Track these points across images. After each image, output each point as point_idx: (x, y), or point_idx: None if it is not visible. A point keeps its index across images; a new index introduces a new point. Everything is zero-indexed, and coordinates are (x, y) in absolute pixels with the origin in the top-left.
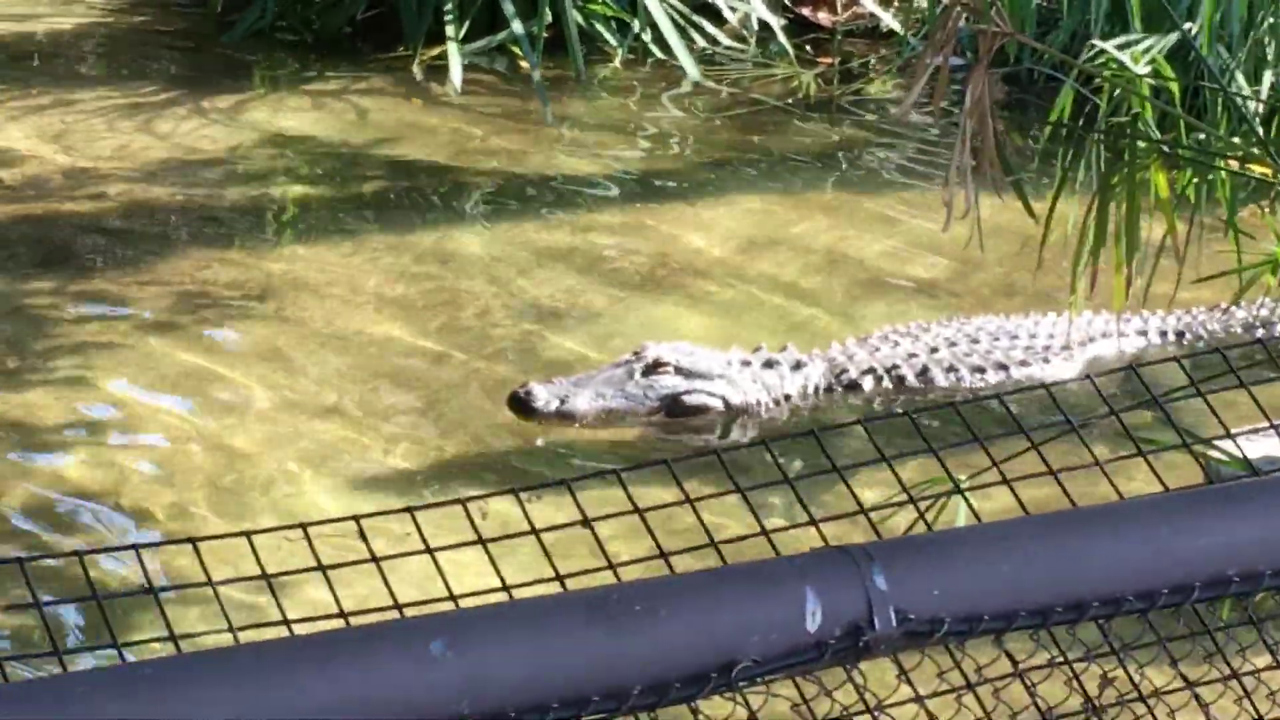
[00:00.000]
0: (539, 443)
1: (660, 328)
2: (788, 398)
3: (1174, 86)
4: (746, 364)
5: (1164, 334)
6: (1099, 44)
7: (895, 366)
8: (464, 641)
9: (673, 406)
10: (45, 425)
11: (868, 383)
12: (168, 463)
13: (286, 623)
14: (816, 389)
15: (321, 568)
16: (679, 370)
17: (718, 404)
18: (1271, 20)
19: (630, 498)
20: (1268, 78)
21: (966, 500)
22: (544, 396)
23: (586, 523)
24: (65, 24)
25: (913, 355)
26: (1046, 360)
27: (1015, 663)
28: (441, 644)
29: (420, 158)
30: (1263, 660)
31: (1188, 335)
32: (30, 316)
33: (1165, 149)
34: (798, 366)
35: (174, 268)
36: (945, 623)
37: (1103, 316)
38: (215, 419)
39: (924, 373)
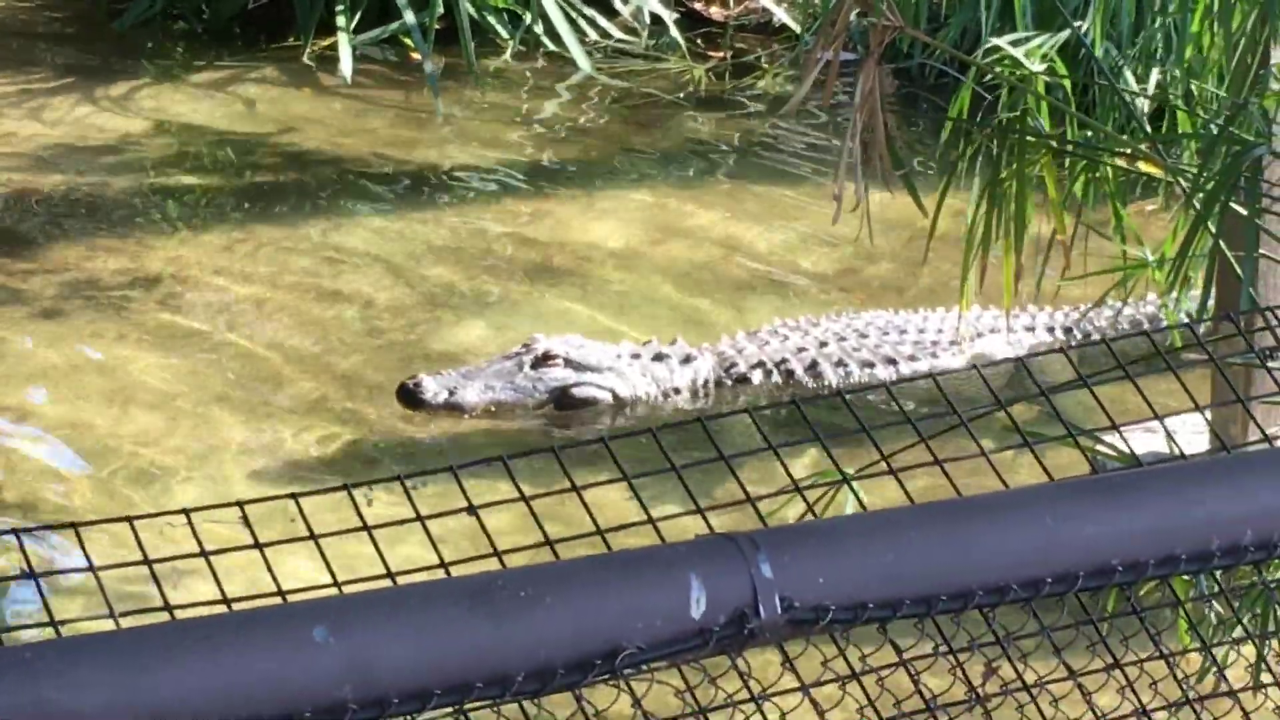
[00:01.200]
0: (428, 434)
1: (551, 320)
2: (677, 391)
3: (1067, 83)
4: (636, 357)
5: (1052, 330)
6: (995, 40)
7: (784, 361)
8: (347, 627)
9: (562, 399)
10: None
11: (757, 377)
12: (52, 454)
13: (169, 608)
14: (706, 383)
15: (204, 554)
16: (569, 363)
17: (606, 397)
18: (1159, 19)
19: (517, 486)
20: (1154, 76)
21: (854, 491)
22: (433, 388)
23: (472, 510)
24: None
25: (802, 350)
26: (935, 355)
27: (899, 651)
28: (324, 629)
29: (310, 148)
30: (1145, 650)
31: (1075, 332)
32: None
33: (1054, 144)
34: (687, 360)
35: (61, 256)
36: (830, 610)
37: (991, 312)
38: (100, 410)
39: (813, 367)
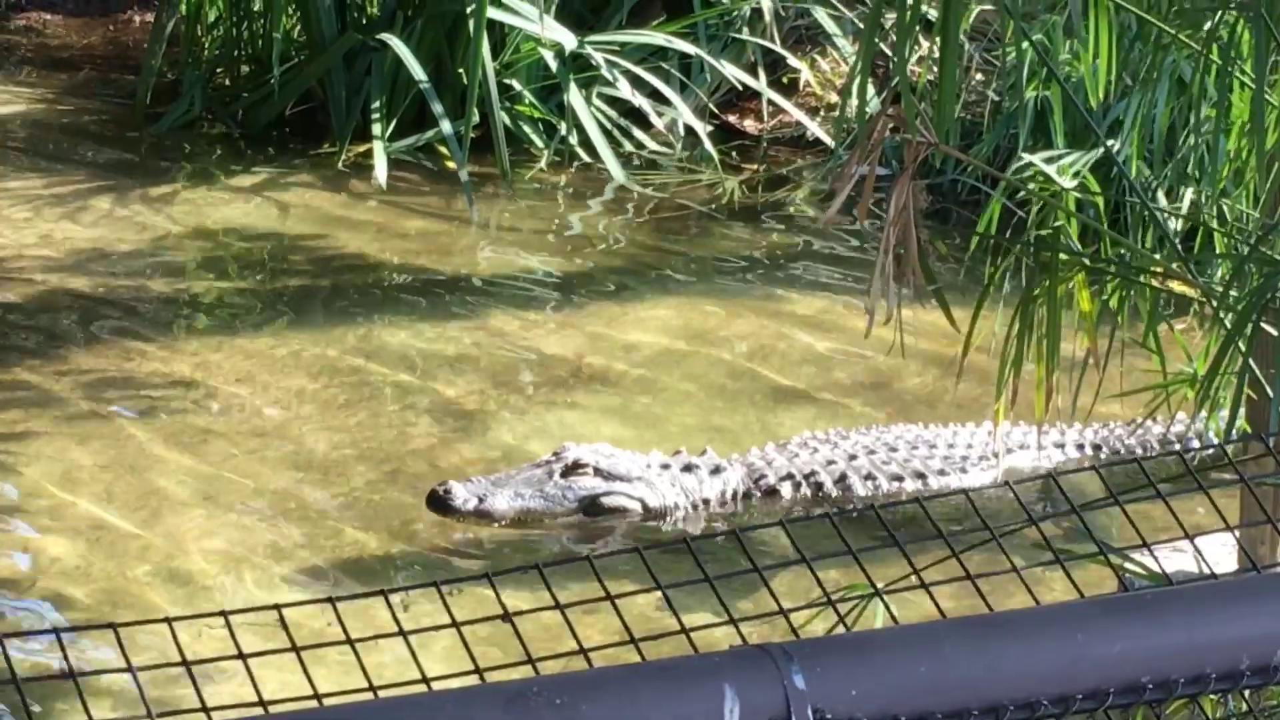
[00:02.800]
0: (458, 541)
1: (581, 429)
2: (706, 502)
3: (1099, 200)
4: (666, 467)
5: (1081, 447)
6: (1027, 157)
7: (814, 473)
8: None
9: (591, 508)
10: None
11: (786, 489)
12: (85, 555)
13: (205, 710)
14: (735, 494)
15: (241, 655)
16: (598, 472)
17: (636, 506)
18: (1192, 139)
19: (552, 593)
20: (1188, 195)
21: (885, 604)
22: (463, 495)
23: (507, 616)
24: None
25: (831, 462)
26: (965, 470)
27: None
28: None
29: (344, 253)
30: None
31: (1105, 449)
32: None
33: (1087, 262)
34: (716, 471)
35: (95, 358)
36: None
37: (1020, 428)
38: (133, 511)
39: (842, 480)
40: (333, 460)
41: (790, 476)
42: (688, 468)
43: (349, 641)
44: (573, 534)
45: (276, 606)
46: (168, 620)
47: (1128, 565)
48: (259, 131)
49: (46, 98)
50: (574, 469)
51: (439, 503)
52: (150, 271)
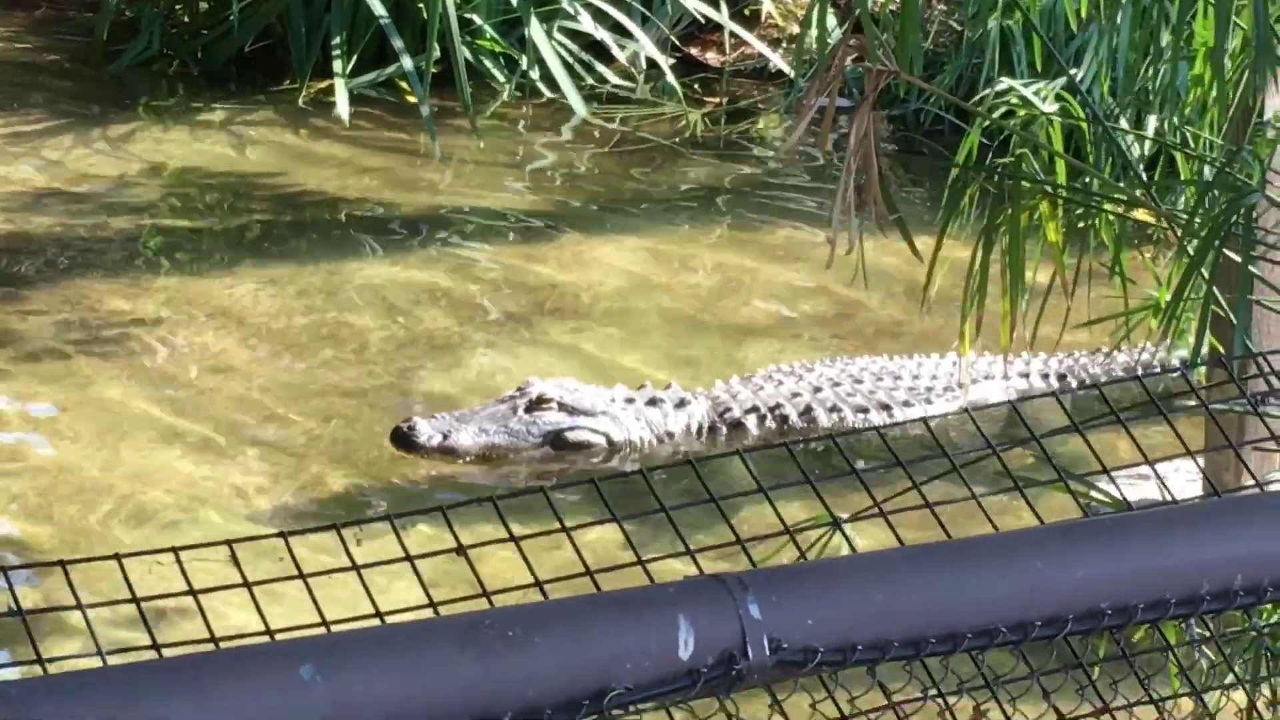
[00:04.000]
0: (422, 477)
1: (546, 364)
2: (671, 435)
3: (1082, 123)
4: (630, 401)
5: (1046, 376)
6: (1006, 81)
7: (778, 405)
8: (333, 666)
9: (556, 443)
10: None
11: (751, 421)
12: (45, 494)
13: (156, 648)
14: (700, 427)
15: (193, 592)
16: (563, 407)
17: (600, 441)
18: (1157, 66)
19: (507, 527)
20: (1152, 122)
21: (845, 535)
22: (427, 432)
23: (461, 550)
24: None
25: (796, 394)
26: (930, 401)
27: (888, 694)
28: (311, 668)
29: (306, 190)
30: (1135, 694)
31: (1070, 378)
32: None
33: (1049, 190)
34: (681, 404)
35: (56, 298)
36: (819, 652)
37: (985, 358)
38: (95, 450)
39: (807, 412)
40: (297, 398)
41: (755, 409)
42: (652, 401)
43: (301, 576)
44: (538, 469)
45: (229, 542)
46: (117, 557)
47: (1092, 494)
48: (218, 68)
49: (4, 36)
50: (538, 404)
51: (403, 440)
52: (111, 210)
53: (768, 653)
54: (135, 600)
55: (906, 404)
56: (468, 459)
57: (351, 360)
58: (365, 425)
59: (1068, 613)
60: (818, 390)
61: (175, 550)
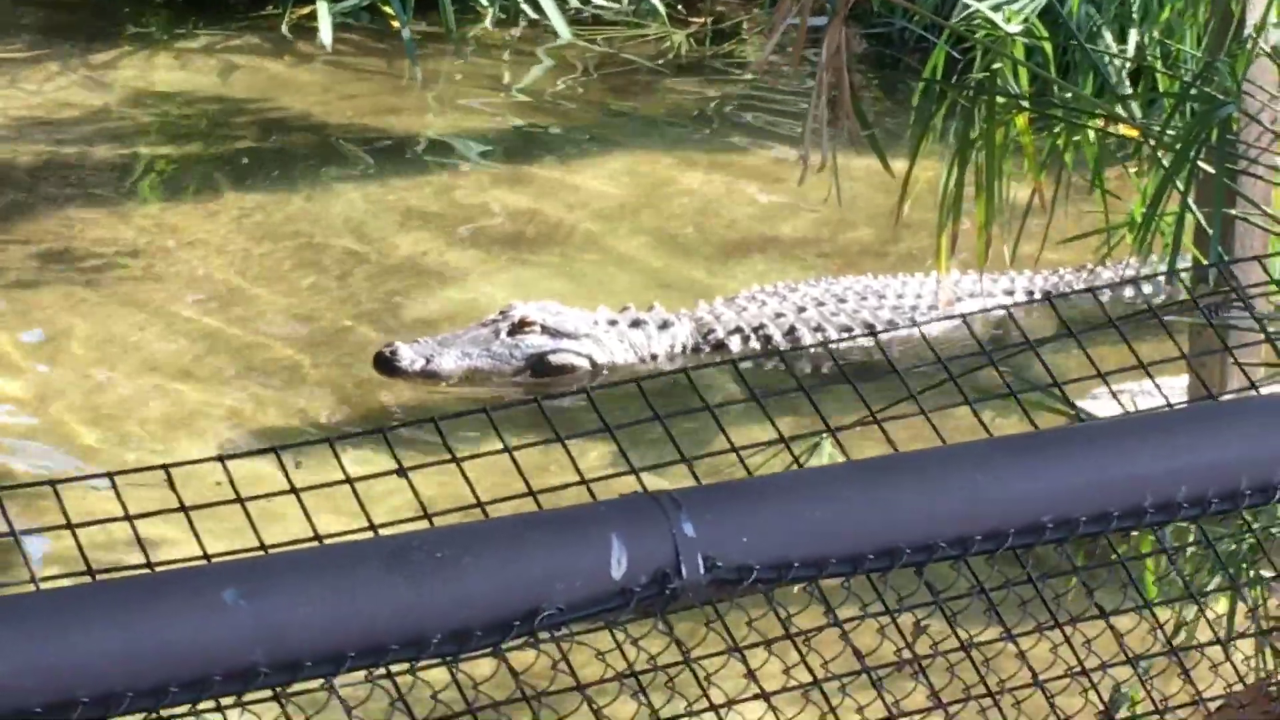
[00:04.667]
0: (406, 401)
1: (529, 287)
2: (654, 357)
3: (1047, 46)
4: (613, 323)
5: (1031, 294)
6: (971, 2)
7: (762, 326)
8: (259, 589)
9: (538, 365)
10: None
11: (734, 342)
12: (28, 421)
13: (90, 573)
14: (683, 349)
15: (129, 517)
16: (545, 330)
17: (584, 363)
18: None
19: (448, 447)
20: (1133, 37)
21: (839, 444)
22: (409, 356)
23: (401, 472)
24: None
25: (780, 315)
26: (914, 321)
27: (830, 609)
28: (235, 591)
29: (290, 115)
30: (1079, 607)
31: (1055, 296)
32: None
33: (1024, 105)
34: (664, 326)
35: (39, 226)
36: (754, 570)
37: (971, 276)
38: (78, 378)
39: (791, 332)
40: (281, 323)
41: (739, 330)
42: (635, 323)
43: (239, 500)
44: (520, 392)
45: (165, 466)
46: (51, 483)
47: (1083, 408)
48: None
49: None
50: (521, 327)
51: (386, 364)
52: (94, 138)
53: (702, 571)
54: (70, 526)
55: (891, 323)
56: (450, 383)
57: (334, 286)
58: (349, 350)
59: (1008, 526)
60: (802, 310)
61: (110, 475)
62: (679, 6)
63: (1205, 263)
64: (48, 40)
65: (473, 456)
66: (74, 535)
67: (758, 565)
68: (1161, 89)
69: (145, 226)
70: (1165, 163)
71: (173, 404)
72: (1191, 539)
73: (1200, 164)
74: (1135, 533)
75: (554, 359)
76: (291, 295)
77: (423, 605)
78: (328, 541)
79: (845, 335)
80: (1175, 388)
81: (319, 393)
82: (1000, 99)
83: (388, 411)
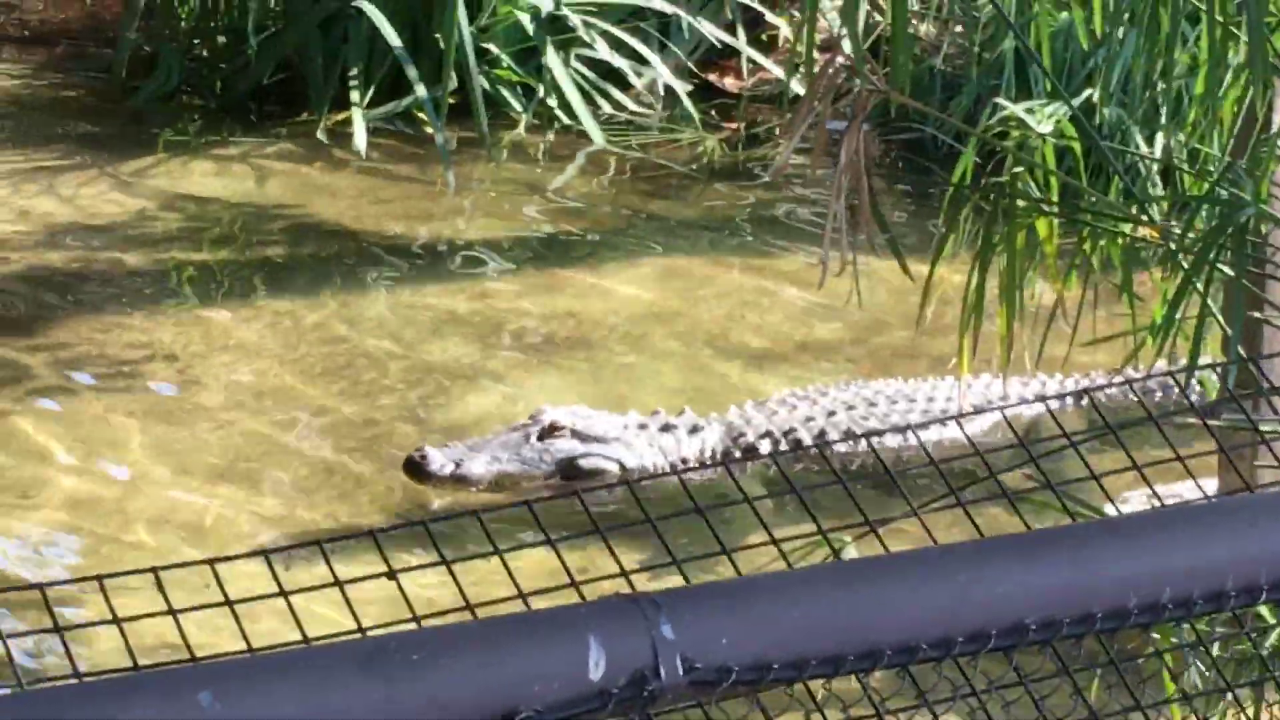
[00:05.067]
0: (435, 507)
1: (559, 392)
2: (684, 462)
3: (1076, 146)
4: (643, 427)
5: (1061, 398)
6: (1001, 102)
7: (792, 430)
8: (233, 691)
9: (568, 470)
10: None
11: (764, 447)
12: (58, 528)
13: (78, 675)
14: (714, 453)
15: (116, 620)
16: (575, 434)
17: (613, 467)
18: (1164, 85)
19: (439, 550)
20: (1159, 139)
21: (880, 539)
22: (439, 460)
23: (392, 575)
24: None
25: (810, 419)
26: (944, 424)
27: (820, 709)
28: (209, 694)
29: (324, 221)
30: (1063, 709)
31: (1085, 399)
32: None
33: (1044, 208)
34: (695, 430)
35: (72, 331)
36: (734, 671)
37: (1000, 380)
38: (109, 483)
39: (821, 436)
40: (312, 428)
41: (769, 434)
42: (665, 427)
43: (228, 604)
44: (549, 496)
45: (154, 570)
46: (40, 587)
47: (1084, 510)
48: (237, 102)
49: (24, 74)
50: (551, 431)
51: (416, 468)
52: (129, 244)
53: (681, 673)
54: (59, 629)
55: (920, 427)
56: (480, 487)
57: (367, 391)
58: (380, 454)
59: (991, 628)
60: (831, 414)
61: (100, 578)
62: (712, 112)
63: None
64: (83, 148)
65: (466, 559)
66: (62, 638)
67: (737, 667)
68: (1188, 190)
69: (179, 330)
70: (1186, 265)
71: (201, 511)
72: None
73: (1222, 267)
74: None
75: (584, 463)
76: (324, 399)
77: (397, 708)
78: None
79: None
80: (1193, 490)
81: (349, 498)
82: (1021, 202)
83: (416, 514)
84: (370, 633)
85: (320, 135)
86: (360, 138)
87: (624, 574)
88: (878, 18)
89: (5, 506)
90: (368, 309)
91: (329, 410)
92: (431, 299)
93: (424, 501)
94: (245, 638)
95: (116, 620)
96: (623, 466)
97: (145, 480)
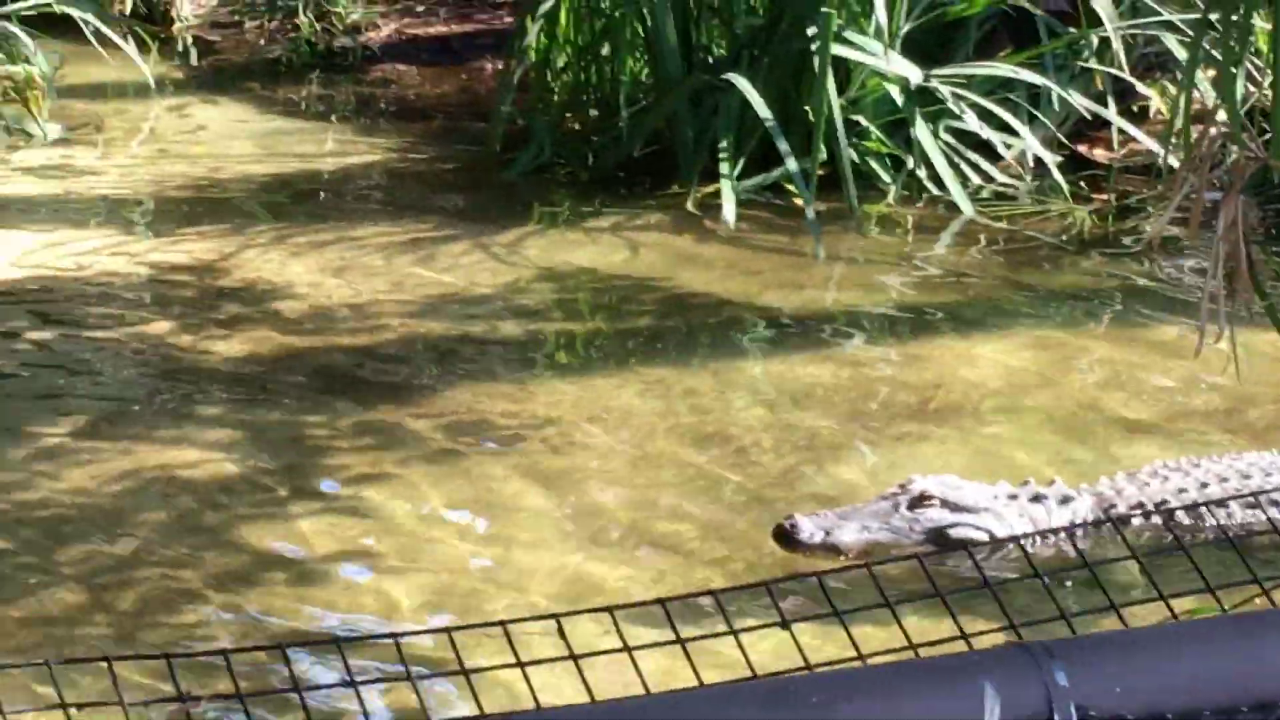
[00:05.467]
0: (800, 571)
1: (929, 461)
2: (1054, 532)
3: None
4: (1013, 498)
5: None
6: None
7: (1164, 502)
8: None
9: (938, 539)
10: (317, 554)
11: (1136, 518)
12: (440, 592)
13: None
14: (1084, 524)
15: (464, 671)
16: (945, 504)
17: (983, 537)
18: None
19: (831, 602)
20: None
21: (1270, 598)
22: (809, 529)
23: (785, 624)
24: (350, 162)
25: (1183, 490)
26: None
27: None
28: None
29: (692, 292)
30: None
31: None
32: (307, 446)
33: None
34: (1065, 501)
35: (448, 399)
36: None
37: None
38: (486, 548)
39: (1194, 508)
40: (681, 496)
41: (1140, 505)
42: (1036, 498)
43: (626, 650)
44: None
45: (555, 616)
46: (448, 630)
47: None
48: (607, 174)
49: (401, 147)
50: (920, 501)
51: (785, 537)
52: (503, 313)
53: None
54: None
55: None
56: (849, 556)
57: (734, 459)
58: (747, 523)
59: None
60: (1204, 486)
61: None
62: (1081, 184)
63: None
64: (458, 220)
65: (855, 610)
66: (468, 680)
67: (1130, 716)
68: None
69: (551, 400)
70: None
71: (577, 573)
72: None
73: None
74: None
75: (954, 533)
76: (692, 467)
77: None
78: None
79: (1250, 512)
80: None
81: (720, 565)
82: None
83: (793, 583)
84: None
85: (690, 206)
86: (730, 209)
87: (1012, 625)
88: (1252, 88)
89: (394, 567)
90: (738, 377)
91: (700, 476)
92: (800, 368)
93: (795, 568)
94: (644, 684)
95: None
96: (992, 537)
97: (524, 542)
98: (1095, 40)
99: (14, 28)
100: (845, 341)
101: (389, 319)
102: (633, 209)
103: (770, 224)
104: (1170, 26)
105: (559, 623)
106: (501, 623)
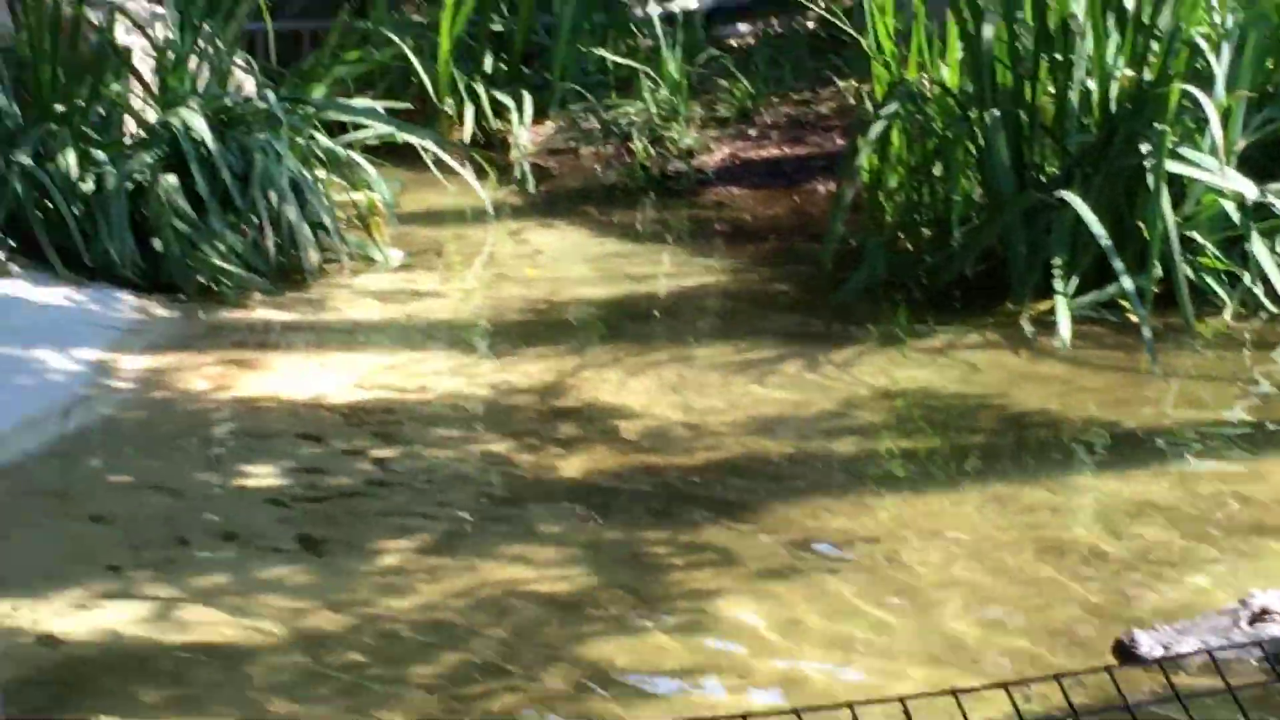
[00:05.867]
0: (1144, 689)
1: (1270, 577)
2: None
3: None
4: None
5: None
6: None
7: None
8: None
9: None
10: (664, 669)
11: None
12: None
13: None
14: None
15: None
16: None
17: None
18: None
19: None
20: None
21: None
22: (1148, 643)
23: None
24: (685, 284)
25: None
26: None
27: None
28: None
29: (1027, 410)
30: None
31: None
32: (646, 564)
33: None
34: None
35: (785, 516)
36: None
37: None
38: (820, 657)
39: None
40: (1017, 611)
41: None
42: None
43: None
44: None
45: (954, 691)
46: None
47: None
48: (940, 292)
49: (735, 268)
50: (1262, 616)
51: (1125, 651)
52: (837, 432)
53: None
54: None
55: None
56: (1189, 672)
57: (1069, 577)
58: (1085, 637)
59: None
60: None
61: (902, 699)
62: None
63: None
64: (792, 340)
65: None
66: None
67: None
68: None
69: (886, 518)
70: None
71: (917, 690)
72: None
73: None
74: None
75: None
76: (1027, 583)
77: None
78: None
79: None
80: None
81: (1052, 682)
82: None
83: (1130, 697)
84: None
85: (1023, 324)
86: (1065, 326)
87: None
88: None
89: (730, 685)
90: (1071, 495)
91: (1035, 594)
92: (1136, 485)
93: (1134, 684)
94: None
95: None
96: None
97: (857, 666)
98: None
99: (357, 156)
100: (1183, 457)
101: (723, 437)
102: (966, 327)
103: (1104, 340)
104: None
105: (956, 699)
106: (848, 703)
